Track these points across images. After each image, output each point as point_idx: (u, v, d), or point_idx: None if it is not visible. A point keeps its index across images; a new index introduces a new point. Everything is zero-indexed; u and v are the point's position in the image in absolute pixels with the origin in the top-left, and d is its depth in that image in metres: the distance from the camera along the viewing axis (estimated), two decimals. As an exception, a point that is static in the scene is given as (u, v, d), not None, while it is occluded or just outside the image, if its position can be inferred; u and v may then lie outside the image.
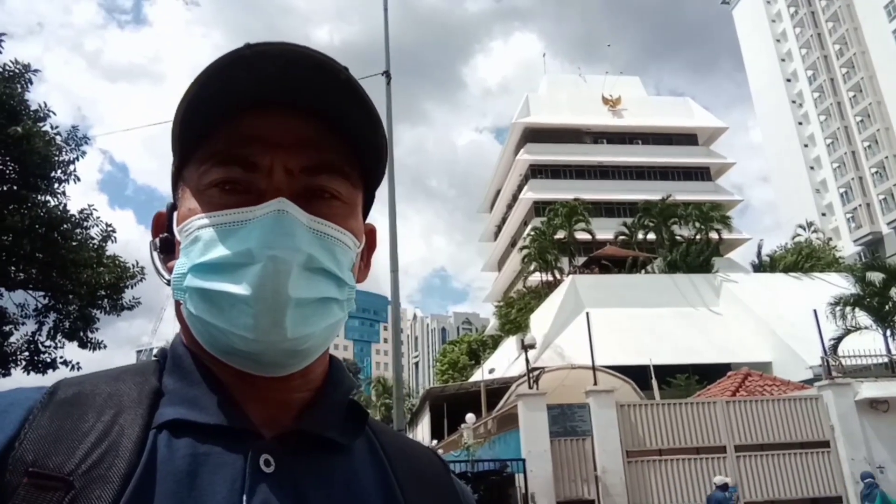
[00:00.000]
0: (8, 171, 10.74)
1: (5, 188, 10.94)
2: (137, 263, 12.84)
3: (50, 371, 12.34)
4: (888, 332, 19.51)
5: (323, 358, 0.71)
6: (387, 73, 10.96)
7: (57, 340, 12.32)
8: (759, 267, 44.05)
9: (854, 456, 13.04)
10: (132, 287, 12.76)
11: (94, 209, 12.42)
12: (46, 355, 12.23)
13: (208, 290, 0.63)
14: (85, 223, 12.25)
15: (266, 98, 0.66)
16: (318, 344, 0.67)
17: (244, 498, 0.59)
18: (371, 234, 0.77)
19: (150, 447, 0.60)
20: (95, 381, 0.65)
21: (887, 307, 19.79)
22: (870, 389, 13.55)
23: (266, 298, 0.61)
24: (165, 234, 0.72)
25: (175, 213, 0.71)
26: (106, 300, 12.42)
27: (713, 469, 12.89)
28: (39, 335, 12.19)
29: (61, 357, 12.35)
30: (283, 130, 0.66)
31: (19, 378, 12.22)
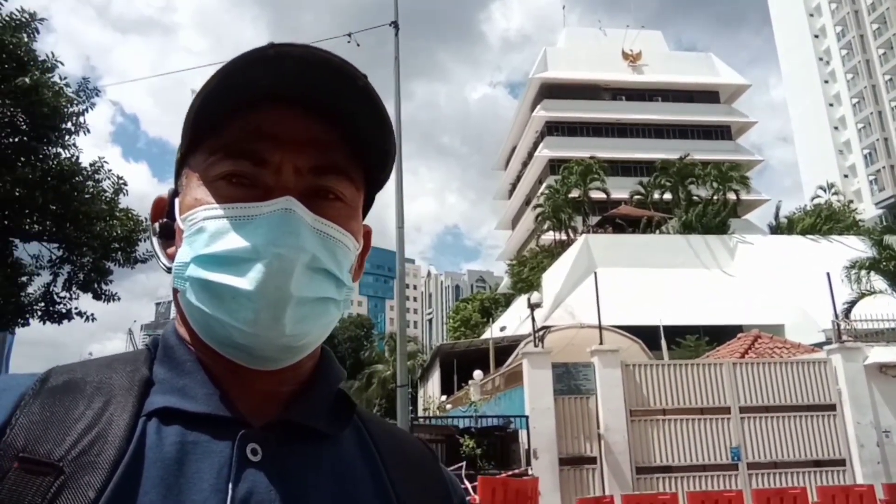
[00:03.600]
0: (18, 122, 10.75)
1: (16, 140, 10.97)
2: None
3: (66, 321, 12.61)
4: (903, 297, 19.32)
5: (315, 351, 0.72)
6: (395, 24, 10.72)
7: (72, 292, 12.53)
8: (777, 229, 43.55)
9: (860, 420, 13.05)
10: (145, 240, 12.88)
11: (105, 161, 12.48)
12: (62, 306, 12.47)
13: (211, 282, 0.64)
14: (96, 176, 12.32)
15: (282, 96, 0.67)
16: (313, 341, 0.69)
17: (230, 486, 0.60)
18: (367, 235, 0.78)
19: (139, 434, 0.61)
20: (86, 369, 0.67)
21: (904, 271, 19.54)
22: (880, 354, 13.47)
23: (268, 295, 0.62)
24: (165, 220, 0.73)
25: (177, 200, 0.71)
26: (119, 253, 12.57)
27: (716, 430, 12.99)
28: (55, 286, 12.41)
29: (76, 308, 12.60)
30: (295, 129, 0.67)
31: (37, 327, 12.51)
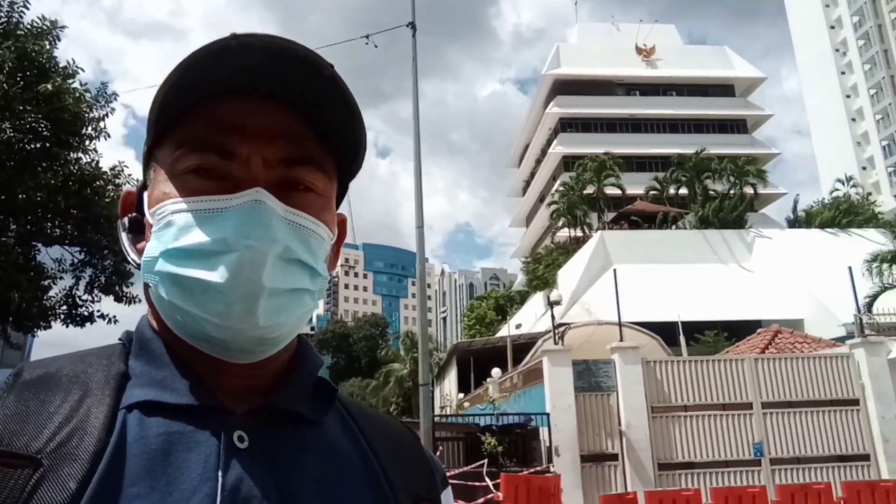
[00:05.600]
0: (40, 129, 10.85)
1: (38, 145, 11.07)
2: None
3: (88, 324, 12.73)
4: (926, 290, 19.07)
5: (291, 342, 0.72)
6: (412, 25, 10.72)
7: (93, 294, 12.65)
8: (795, 223, 43.04)
9: (885, 414, 12.90)
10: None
11: (125, 166, 12.58)
12: (84, 309, 12.59)
13: (181, 276, 0.63)
14: (117, 180, 12.42)
15: (247, 88, 0.66)
16: (288, 332, 0.69)
17: (220, 474, 0.60)
18: (341, 224, 0.78)
19: (121, 427, 0.60)
20: (61, 363, 0.66)
21: (927, 264, 19.29)
22: (904, 348, 13.30)
23: (241, 287, 0.62)
24: (134, 215, 0.72)
25: (145, 194, 0.70)
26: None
27: (738, 425, 12.89)
28: (77, 289, 12.52)
29: (98, 311, 12.72)
30: (263, 121, 0.67)
31: (59, 330, 12.67)
